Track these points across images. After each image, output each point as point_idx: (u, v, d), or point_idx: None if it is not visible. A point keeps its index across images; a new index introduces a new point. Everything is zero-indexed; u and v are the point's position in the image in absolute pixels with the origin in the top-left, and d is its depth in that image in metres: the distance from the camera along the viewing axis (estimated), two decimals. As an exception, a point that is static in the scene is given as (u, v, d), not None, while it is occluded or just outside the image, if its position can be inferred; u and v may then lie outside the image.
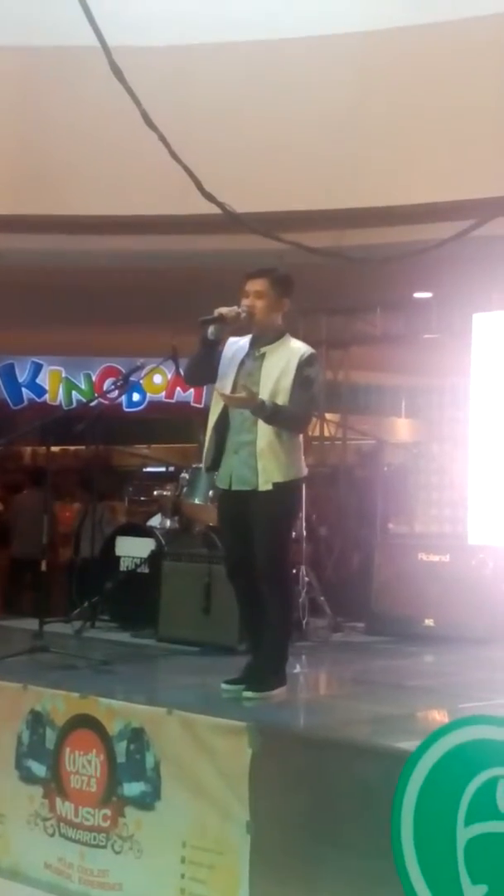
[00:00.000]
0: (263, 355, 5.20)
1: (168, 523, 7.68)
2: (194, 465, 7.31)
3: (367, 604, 7.86)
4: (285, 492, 5.16)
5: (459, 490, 9.99)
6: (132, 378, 6.79)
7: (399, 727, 4.72)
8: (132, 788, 4.73)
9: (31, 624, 6.66)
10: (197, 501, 7.17)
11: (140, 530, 7.82)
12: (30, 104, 9.07)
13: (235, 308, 5.15)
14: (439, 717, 5.01)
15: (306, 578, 7.39)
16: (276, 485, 5.10)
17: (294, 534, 7.19)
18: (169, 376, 13.00)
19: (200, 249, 9.21)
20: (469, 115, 8.38)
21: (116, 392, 7.58)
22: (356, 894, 4.01)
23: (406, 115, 8.56)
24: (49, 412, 12.75)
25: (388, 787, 3.78)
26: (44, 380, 13.75)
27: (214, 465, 5.27)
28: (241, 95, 8.81)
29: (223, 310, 5.13)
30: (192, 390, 13.09)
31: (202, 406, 12.75)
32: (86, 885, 4.84)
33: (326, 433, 12.10)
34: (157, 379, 13.11)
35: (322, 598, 7.58)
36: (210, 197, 7.68)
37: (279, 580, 5.26)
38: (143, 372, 6.91)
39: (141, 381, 10.96)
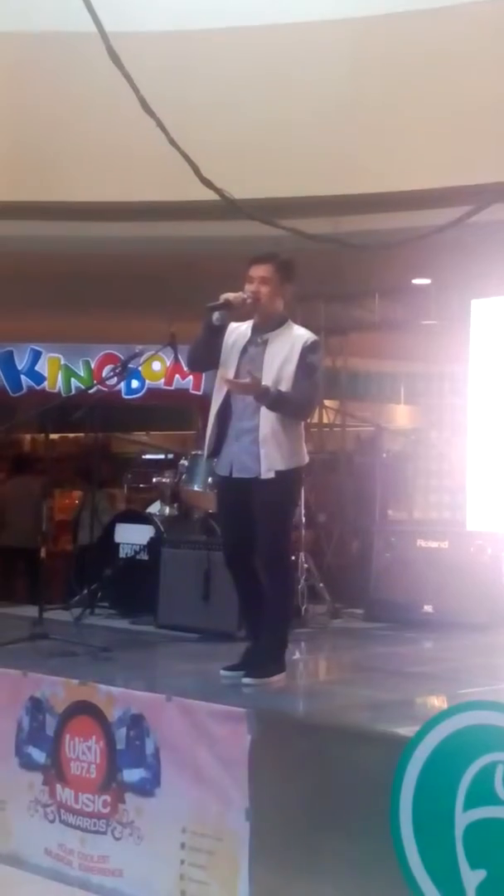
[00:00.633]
0: (266, 342, 5.19)
1: (167, 510, 7.69)
2: (193, 452, 7.32)
3: (365, 590, 7.88)
4: (287, 480, 5.16)
5: (458, 476, 9.99)
6: (131, 365, 6.78)
7: (398, 713, 4.73)
8: (132, 775, 4.75)
9: (31, 611, 6.67)
10: (196, 488, 7.18)
11: (139, 517, 7.83)
12: (28, 90, 9.03)
13: (241, 294, 5.15)
14: (438, 702, 5.03)
15: (305, 565, 7.40)
16: (278, 472, 5.10)
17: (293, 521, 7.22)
18: (168, 363, 12.97)
19: (198, 236, 9.19)
20: (467, 100, 8.35)
21: (115, 379, 7.57)
22: (356, 880, 4.03)
23: (404, 100, 8.54)
24: (48, 399, 12.73)
25: (387, 772, 3.79)
26: (43, 367, 13.73)
27: (215, 452, 5.27)
28: (239, 82, 8.78)
29: (229, 295, 5.13)
30: (191, 377, 13.08)
31: (201, 393, 12.74)
32: (86, 871, 4.86)
33: (325, 420, 12.09)
34: (156, 366, 13.09)
35: (321, 585, 7.59)
36: (208, 183, 7.66)
37: (280, 568, 5.27)
38: (142, 359, 6.91)
39: (140, 368, 10.94)
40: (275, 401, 5.05)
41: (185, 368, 5.72)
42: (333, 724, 4.48)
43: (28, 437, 14.55)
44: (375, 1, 8.53)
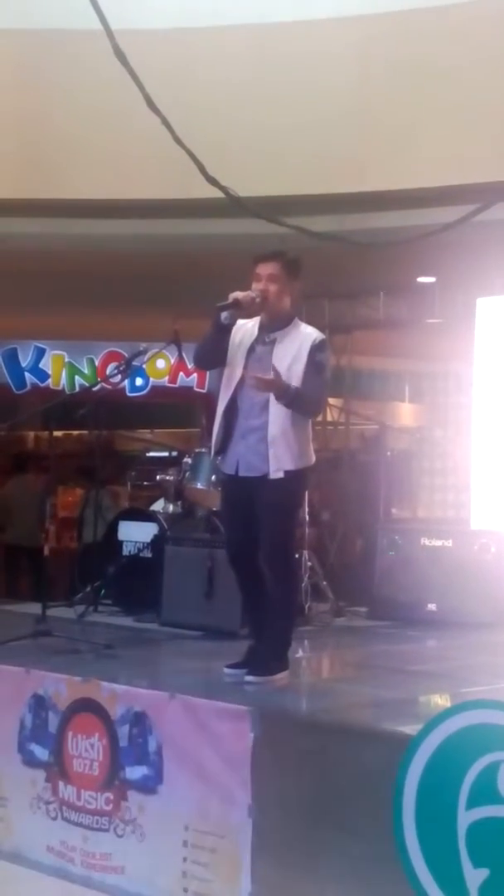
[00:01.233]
0: (274, 341, 5.19)
1: (171, 508, 7.68)
2: (197, 450, 7.32)
3: (369, 588, 7.87)
4: (295, 480, 5.16)
5: (462, 475, 9.98)
6: (135, 363, 6.79)
7: (401, 711, 4.73)
8: (134, 772, 4.75)
9: (34, 608, 6.67)
10: (200, 486, 7.18)
11: (142, 515, 7.84)
12: (32, 87, 9.03)
13: (250, 293, 5.14)
14: (441, 701, 5.02)
15: (309, 563, 7.39)
16: (286, 472, 5.10)
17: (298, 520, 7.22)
18: (172, 361, 12.94)
19: (203, 233, 9.18)
20: (473, 98, 8.34)
21: (119, 377, 7.58)
22: (358, 878, 4.02)
23: (409, 98, 8.53)
24: (52, 397, 12.72)
25: (389, 771, 3.79)
26: (47, 364, 13.72)
27: (222, 450, 5.26)
28: (244, 79, 8.78)
29: (238, 294, 5.13)
30: (195, 375, 13.06)
31: (205, 391, 12.72)
32: (88, 868, 4.86)
33: (329, 418, 12.07)
34: (161, 363, 13.06)
35: (324, 583, 7.59)
36: (213, 181, 7.66)
37: (284, 567, 5.27)
38: (146, 356, 6.91)
39: (144, 366, 10.94)
40: (293, 398, 5.05)
41: (191, 366, 5.71)
42: (336, 723, 4.48)
43: (32, 434, 14.55)
44: (381, -1, 8.54)
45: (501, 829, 3.54)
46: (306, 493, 7.19)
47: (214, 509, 6.99)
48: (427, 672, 5.90)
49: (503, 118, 8.23)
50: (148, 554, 7.42)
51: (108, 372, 11.88)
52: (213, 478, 6.83)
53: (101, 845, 4.83)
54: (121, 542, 7.65)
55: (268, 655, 5.18)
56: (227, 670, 5.22)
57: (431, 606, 7.42)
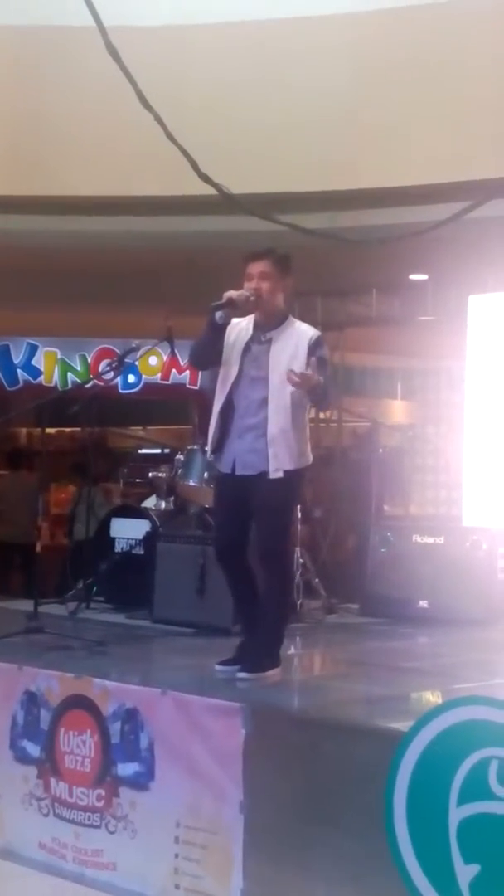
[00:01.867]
0: (270, 340, 5.18)
1: (163, 505, 7.69)
2: (189, 447, 7.32)
3: (361, 585, 7.88)
4: (293, 479, 5.16)
5: (454, 472, 10.00)
6: (127, 359, 6.78)
7: (393, 708, 4.74)
8: (126, 769, 4.75)
9: (26, 605, 6.67)
10: (192, 483, 7.18)
11: (135, 512, 7.84)
12: (25, 84, 9.03)
13: (244, 292, 5.14)
14: (433, 698, 5.03)
15: (301, 560, 7.39)
16: (286, 472, 5.10)
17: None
18: (165, 358, 12.94)
19: (196, 230, 9.19)
20: (465, 96, 8.35)
21: (112, 374, 7.58)
22: (350, 874, 4.03)
23: (402, 96, 8.53)
24: (44, 394, 12.70)
25: (381, 767, 3.79)
26: (39, 361, 13.70)
27: (218, 448, 5.26)
28: (237, 76, 8.78)
29: (232, 294, 5.12)
30: (187, 372, 13.06)
31: (198, 388, 12.72)
32: (80, 864, 4.86)
33: (321, 415, 12.08)
34: (153, 360, 13.05)
35: (316, 580, 7.59)
36: (206, 178, 7.66)
37: (279, 565, 5.27)
38: (139, 353, 6.90)
39: (136, 363, 10.93)
40: (323, 395, 5.10)
41: (184, 363, 5.73)
42: (328, 719, 4.48)
43: (24, 431, 14.54)
44: (374, -4, 8.55)
45: (492, 826, 3.54)
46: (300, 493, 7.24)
47: (207, 506, 7.00)
48: (419, 669, 5.91)
49: (496, 116, 8.25)
50: (140, 551, 7.42)
51: (100, 369, 11.90)
52: (206, 475, 6.83)
53: (93, 842, 4.83)
54: (113, 539, 7.66)
55: (260, 652, 5.18)
56: (218, 667, 5.22)
57: (423, 603, 7.43)
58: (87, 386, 10.01)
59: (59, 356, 13.59)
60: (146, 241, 9.57)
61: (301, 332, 5.20)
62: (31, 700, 5.18)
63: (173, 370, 13.25)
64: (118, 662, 5.73)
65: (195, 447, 7.13)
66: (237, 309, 5.16)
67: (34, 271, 10.52)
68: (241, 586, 5.30)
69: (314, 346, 5.14)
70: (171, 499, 7.64)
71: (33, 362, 13.64)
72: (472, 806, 3.58)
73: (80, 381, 12.84)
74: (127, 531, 7.59)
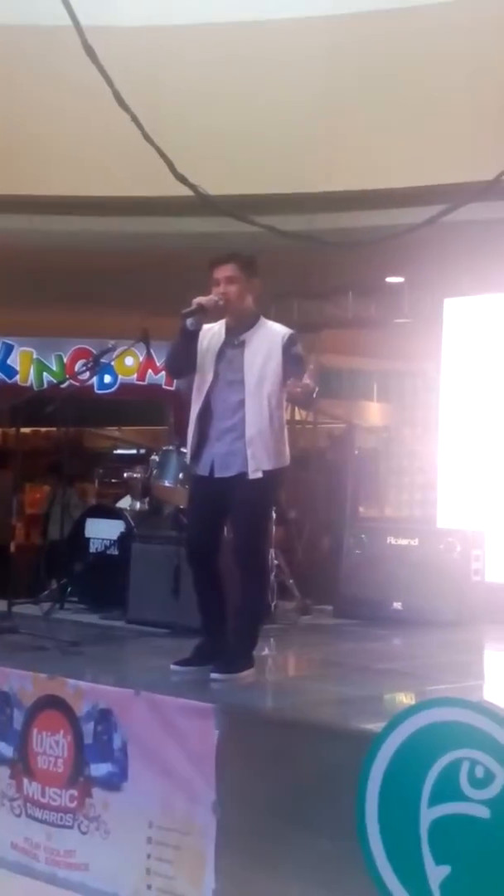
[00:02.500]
0: (244, 342, 5.20)
1: (138, 505, 7.68)
2: (165, 448, 7.32)
3: (335, 587, 7.90)
4: (271, 480, 5.19)
5: (429, 474, 10.03)
6: (103, 360, 6.78)
7: (366, 709, 4.75)
8: (99, 769, 4.75)
9: (0, 605, 6.66)
10: (167, 484, 7.17)
11: (109, 512, 7.83)
12: (2, 82, 9.01)
13: (212, 297, 5.17)
14: (406, 699, 5.04)
15: (275, 561, 7.40)
16: (265, 472, 5.12)
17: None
18: (141, 358, 12.94)
19: (172, 232, 9.18)
20: (442, 99, 8.38)
21: (87, 374, 7.57)
22: (322, 875, 4.04)
23: (378, 98, 8.56)
24: (20, 393, 12.68)
25: (354, 768, 3.80)
26: (14, 361, 13.67)
27: (197, 454, 5.27)
28: (214, 77, 8.78)
29: (202, 299, 5.16)
30: (163, 373, 13.05)
31: (174, 389, 12.72)
32: (52, 865, 4.86)
33: (297, 417, 12.09)
34: (129, 361, 13.04)
35: (291, 581, 7.60)
36: (182, 179, 7.66)
37: (257, 566, 5.30)
38: (115, 354, 6.90)
39: (112, 363, 10.92)
40: (311, 395, 5.08)
41: (160, 363, 5.73)
42: (301, 720, 4.49)
43: (-1, 431, 14.49)
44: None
45: (463, 827, 3.56)
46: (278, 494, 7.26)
47: (182, 507, 6.99)
48: (392, 670, 5.93)
49: (472, 119, 8.28)
50: (115, 551, 7.42)
51: (76, 369, 11.88)
52: (181, 475, 6.83)
53: (66, 842, 4.82)
54: (87, 540, 7.64)
55: (234, 653, 5.19)
56: (174, 667, 5.24)
57: (397, 605, 7.46)
58: (63, 386, 9.99)
59: (34, 356, 13.56)
60: (122, 241, 9.56)
61: (273, 332, 5.22)
62: (4, 700, 5.17)
63: (149, 371, 13.24)
64: (92, 663, 5.73)
65: (170, 448, 7.13)
66: (207, 314, 5.19)
67: (10, 271, 10.49)
68: (209, 588, 5.31)
69: (288, 344, 5.17)
70: (146, 499, 7.64)
71: (9, 362, 13.61)
72: (444, 807, 3.59)
73: (55, 381, 12.82)
74: (101, 531, 7.58)
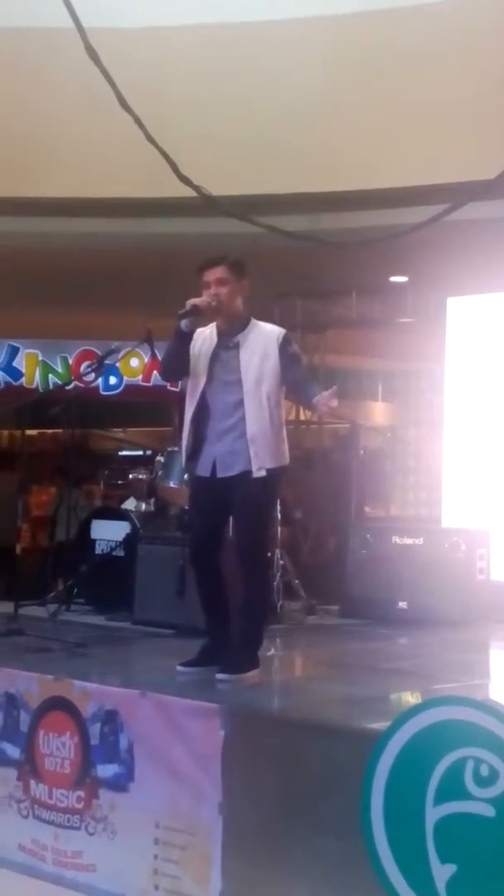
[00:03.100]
0: (238, 344, 5.23)
1: (143, 507, 7.69)
2: (170, 449, 7.33)
3: (341, 587, 7.91)
4: (273, 478, 5.21)
5: (434, 474, 10.03)
6: (108, 361, 6.79)
7: (372, 709, 4.75)
8: (106, 770, 4.76)
9: (6, 607, 6.67)
10: (172, 485, 7.19)
11: (115, 513, 7.84)
12: (6, 85, 9.02)
13: (205, 298, 5.22)
14: (412, 698, 5.05)
15: (281, 562, 7.42)
16: (268, 471, 5.13)
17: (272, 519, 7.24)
18: (146, 360, 12.95)
19: (176, 233, 9.20)
20: (444, 98, 8.39)
21: (93, 375, 7.59)
22: (328, 874, 4.04)
23: (381, 98, 8.56)
24: (25, 395, 12.70)
25: (359, 767, 3.81)
26: (20, 363, 13.70)
27: (194, 455, 5.29)
28: (216, 79, 8.79)
29: (196, 301, 5.21)
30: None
31: (179, 390, 12.72)
32: (60, 866, 4.86)
33: (302, 417, 12.11)
34: (134, 362, 13.06)
35: (297, 581, 7.61)
36: (185, 180, 7.67)
37: (259, 565, 5.30)
38: (119, 355, 6.91)
39: (117, 365, 10.93)
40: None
41: (161, 376, 5.75)
42: (307, 720, 4.50)
43: (6, 433, 14.52)
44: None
45: (469, 825, 3.56)
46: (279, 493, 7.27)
47: (187, 507, 7.00)
48: (398, 669, 5.94)
49: (473, 118, 8.28)
50: (120, 553, 7.43)
51: (81, 370, 11.89)
52: (186, 476, 6.83)
53: (73, 843, 4.83)
54: (93, 541, 7.66)
55: (239, 653, 5.20)
56: (180, 668, 5.25)
57: (402, 604, 7.46)
58: (69, 388, 10.01)
59: (40, 358, 13.58)
60: (126, 242, 9.57)
61: (267, 333, 5.27)
62: (11, 702, 5.18)
63: (154, 372, 13.25)
64: (98, 664, 5.74)
65: (176, 449, 7.13)
66: (201, 315, 5.25)
67: (15, 273, 10.51)
68: (212, 589, 5.33)
69: (284, 344, 5.22)
70: (152, 500, 7.65)
71: (14, 364, 13.63)
72: (449, 806, 3.60)
73: (61, 383, 12.84)
74: (107, 533, 7.60)
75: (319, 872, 4.06)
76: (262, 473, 5.13)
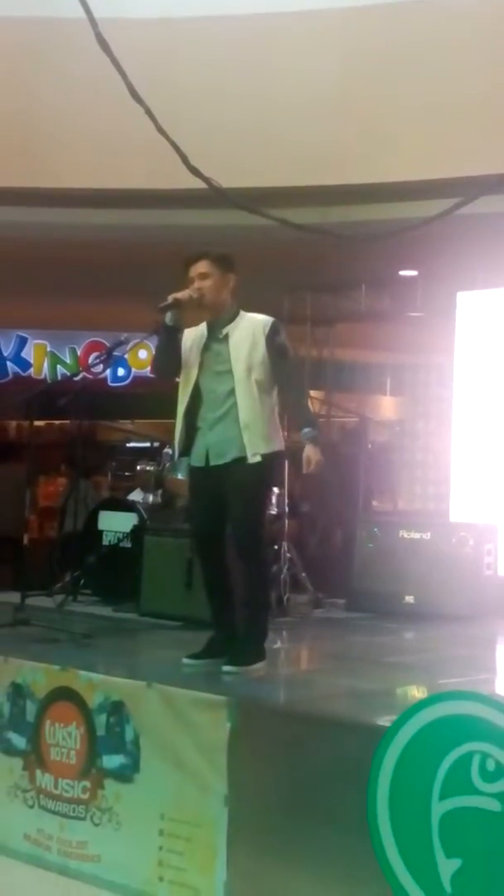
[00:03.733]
0: (227, 335, 5.26)
1: (150, 498, 7.69)
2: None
3: (348, 580, 7.90)
4: (266, 464, 5.21)
5: (442, 468, 10.02)
6: (116, 352, 6.78)
7: (378, 702, 4.75)
8: (111, 761, 4.76)
9: (13, 597, 6.68)
10: (180, 477, 7.18)
11: (122, 505, 7.84)
12: (17, 76, 9.02)
13: (188, 291, 5.26)
14: (418, 692, 5.05)
15: (288, 554, 7.41)
16: (263, 456, 5.14)
17: (276, 509, 7.24)
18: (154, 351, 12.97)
19: (185, 224, 9.19)
20: (455, 92, 8.37)
21: (101, 366, 7.56)
22: (333, 867, 4.04)
23: (393, 91, 8.55)
24: (34, 386, 12.71)
25: (365, 761, 3.80)
26: (29, 353, 13.73)
27: (187, 449, 5.32)
28: (228, 70, 8.79)
29: (177, 294, 5.26)
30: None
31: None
32: (64, 856, 4.87)
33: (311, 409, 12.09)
34: (143, 354, 13.08)
35: (303, 574, 7.60)
36: (195, 171, 7.66)
37: (255, 554, 5.28)
38: (128, 347, 6.89)
39: (126, 356, 10.94)
40: (313, 425, 5.33)
41: (153, 375, 5.77)
42: (313, 713, 4.50)
43: (13, 423, 14.54)
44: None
45: (474, 820, 3.56)
46: (286, 483, 7.27)
47: (190, 499, 7.00)
48: (404, 663, 5.94)
49: (486, 111, 8.26)
50: (128, 544, 7.43)
51: (89, 361, 11.88)
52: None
53: (78, 833, 4.84)
54: (100, 532, 7.66)
55: (245, 645, 5.20)
56: (186, 660, 5.26)
57: (409, 598, 7.45)
58: (77, 378, 10.00)
59: (48, 348, 13.61)
60: (136, 233, 9.57)
61: (255, 322, 5.28)
62: (17, 692, 5.18)
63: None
64: (104, 655, 5.74)
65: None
66: (184, 309, 5.29)
67: (24, 263, 10.51)
68: (218, 580, 5.33)
69: (271, 334, 5.23)
70: (159, 492, 7.65)
71: (23, 354, 13.66)
72: (455, 800, 3.59)
73: (69, 374, 12.85)
74: (114, 524, 7.60)
75: (324, 865, 4.06)
76: (258, 459, 5.15)
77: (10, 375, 13.73)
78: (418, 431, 13.34)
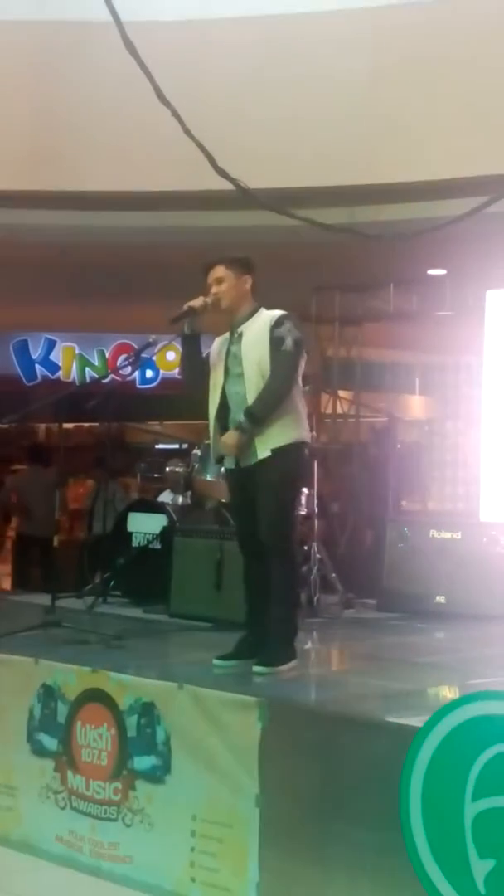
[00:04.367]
0: (241, 335, 5.27)
1: (179, 499, 7.70)
2: (206, 442, 7.32)
3: (378, 580, 7.87)
4: (284, 457, 5.17)
5: (472, 468, 9.99)
6: (144, 354, 6.79)
7: (409, 703, 4.73)
8: (143, 762, 4.76)
9: (44, 599, 6.69)
10: (209, 478, 7.20)
11: (152, 506, 7.84)
12: (44, 79, 9.06)
13: (200, 298, 5.28)
14: (449, 692, 5.03)
15: (318, 555, 7.40)
16: (274, 451, 5.14)
17: (306, 510, 7.22)
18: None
19: (213, 226, 9.20)
20: (484, 90, 8.34)
21: (129, 368, 7.58)
22: (365, 868, 4.03)
23: (421, 90, 8.53)
24: (62, 388, 12.75)
25: (397, 762, 3.79)
26: (57, 356, 13.77)
27: (221, 456, 5.35)
28: (254, 71, 8.79)
29: (191, 302, 5.30)
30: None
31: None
32: (97, 857, 4.88)
33: (339, 410, 12.09)
34: (171, 356, 13.07)
35: (334, 575, 7.59)
36: (223, 173, 7.67)
37: (284, 551, 5.24)
38: (156, 349, 6.90)
39: (154, 358, 10.96)
40: (258, 417, 5.10)
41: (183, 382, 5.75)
42: (344, 714, 4.48)
43: (43, 426, 14.59)
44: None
45: (508, 821, 3.55)
46: (315, 483, 7.26)
47: (223, 501, 7.00)
48: (435, 664, 5.91)
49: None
50: (157, 545, 7.43)
51: (118, 364, 11.92)
52: (222, 469, 6.84)
53: (110, 835, 4.84)
54: (130, 534, 7.67)
55: (275, 646, 5.19)
56: (216, 661, 5.25)
57: (440, 598, 7.42)
58: (105, 381, 10.02)
59: (77, 351, 13.65)
60: (163, 235, 9.59)
61: (265, 318, 5.25)
62: (48, 694, 5.19)
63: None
64: (135, 656, 5.74)
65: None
66: (199, 315, 5.32)
67: (52, 266, 10.55)
68: (257, 580, 5.32)
69: (274, 326, 5.19)
70: (188, 493, 7.65)
71: (51, 357, 13.71)
72: (488, 801, 3.58)
73: (98, 376, 12.88)
74: (144, 526, 7.60)
75: (357, 865, 4.05)
76: (268, 454, 5.13)
77: (39, 378, 13.77)
78: (447, 431, 13.30)
